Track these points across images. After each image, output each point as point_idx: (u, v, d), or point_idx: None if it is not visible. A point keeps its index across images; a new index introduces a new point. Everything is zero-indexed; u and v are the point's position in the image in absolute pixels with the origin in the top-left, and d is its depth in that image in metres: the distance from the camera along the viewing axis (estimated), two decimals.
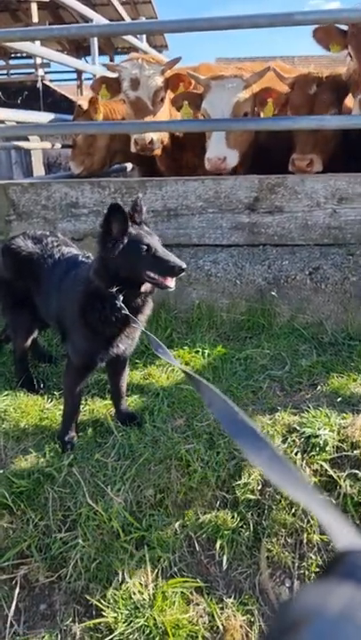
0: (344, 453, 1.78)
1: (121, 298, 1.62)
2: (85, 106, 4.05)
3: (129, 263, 1.62)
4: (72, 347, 1.86)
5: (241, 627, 1.56)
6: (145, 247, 1.63)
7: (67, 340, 1.91)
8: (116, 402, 1.97)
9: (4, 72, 12.70)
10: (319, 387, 2.05)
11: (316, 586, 0.34)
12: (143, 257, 1.63)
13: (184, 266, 1.65)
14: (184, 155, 3.42)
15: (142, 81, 3.37)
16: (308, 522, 1.70)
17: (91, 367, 1.85)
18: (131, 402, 2.06)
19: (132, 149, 3.40)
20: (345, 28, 2.69)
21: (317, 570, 1.69)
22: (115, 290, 1.61)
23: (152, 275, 1.64)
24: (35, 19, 10.12)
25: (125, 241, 1.61)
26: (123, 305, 1.61)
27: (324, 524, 0.52)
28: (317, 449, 1.78)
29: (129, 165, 5.19)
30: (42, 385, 2.20)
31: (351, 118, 2.55)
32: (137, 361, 2.25)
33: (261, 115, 3.11)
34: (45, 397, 2.14)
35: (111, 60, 13.50)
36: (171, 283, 1.65)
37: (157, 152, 3.41)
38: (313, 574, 1.65)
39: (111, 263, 1.62)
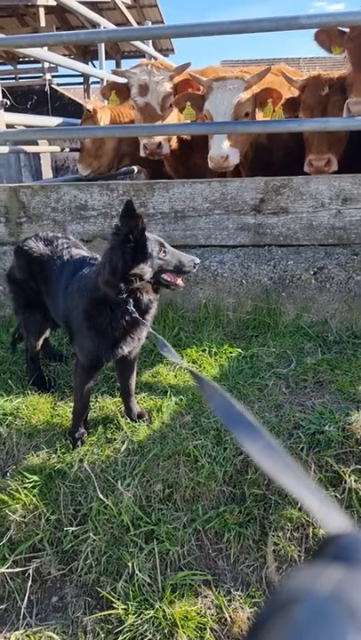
0: (349, 449, 1.79)
1: (132, 303, 1.63)
2: (94, 108, 4.09)
3: (149, 267, 1.63)
4: (79, 347, 1.88)
5: (248, 619, 1.57)
6: (162, 248, 1.67)
7: (74, 340, 1.93)
8: (125, 399, 1.99)
9: (13, 76, 12.78)
10: (324, 384, 2.06)
11: (306, 568, 0.34)
12: (161, 259, 1.66)
13: (198, 260, 1.70)
14: (191, 158, 3.44)
15: (151, 87, 3.39)
16: (314, 516, 1.70)
17: (98, 367, 1.88)
18: (139, 399, 2.08)
19: (142, 154, 3.43)
20: (346, 30, 2.70)
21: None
22: (122, 294, 1.61)
23: (166, 277, 1.68)
24: (42, 23, 10.18)
25: (144, 244, 1.61)
26: (134, 309, 1.63)
27: (314, 510, 0.53)
28: (323, 445, 1.79)
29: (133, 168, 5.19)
30: (53, 383, 2.22)
31: (355, 120, 2.55)
32: (145, 360, 2.26)
33: (261, 115, 3.13)
34: (56, 395, 2.17)
35: (118, 63, 13.52)
36: (181, 282, 1.70)
37: (165, 154, 3.43)
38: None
39: (122, 265, 1.60)
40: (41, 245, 2.03)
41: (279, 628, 0.29)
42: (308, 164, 2.74)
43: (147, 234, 1.61)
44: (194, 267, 1.72)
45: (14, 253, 2.11)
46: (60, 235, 2.12)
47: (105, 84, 5.85)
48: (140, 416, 1.98)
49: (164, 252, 1.67)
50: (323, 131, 2.66)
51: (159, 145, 3.34)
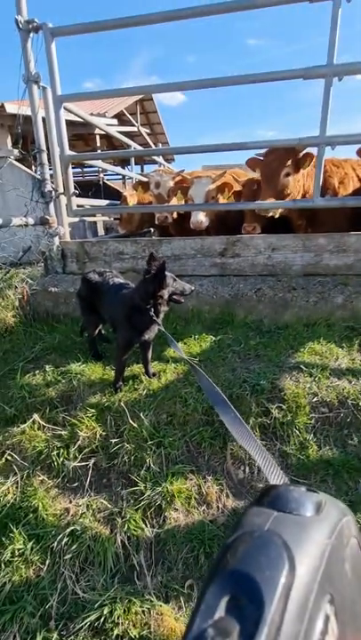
0: (274, 394, 1.80)
1: (152, 310, 1.65)
2: (126, 195, 4.12)
3: (166, 292, 1.67)
4: (120, 335, 1.89)
5: (215, 492, 1.59)
6: (174, 280, 1.72)
7: (117, 330, 1.95)
8: (145, 365, 2.01)
9: (81, 175, 12.73)
10: (260, 356, 2.07)
11: (254, 509, 0.32)
12: (173, 286, 1.71)
13: (193, 288, 1.77)
14: (184, 224, 3.48)
15: (162, 184, 3.45)
16: (254, 432, 1.69)
17: (130, 346, 1.89)
18: (153, 365, 2.08)
19: (156, 222, 3.46)
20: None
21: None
22: (149, 306, 1.65)
23: (175, 297, 1.72)
24: (98, 144, 10.14)
25: (163, 278, 1.65)
26: (154, 315, 1.65)
27: (261, 466, 0.51)
28: (259, 392, 1.80)
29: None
30: (103, 356, 2.23)
31: (275, 204, 2.56)
32: (158, 342, 2.26)
33: (221, 198, 3.17)
34: (105, 362, 2.18)
35: (142, 168, 13.48)
36: (182, 299, 1.76)
37: (170, 222, 3.46)
38: (257, 463, 1.65)
39: (152, 290, 1.64)
40: (96, 276, 2.05)
41: (239, 550, 0.28)
42: (243, 228, 2.80)
43: (166, 272, 1.65)
44: (191, 292, 1.78)
45: (81, 281, 2.12)
46: (107, 269, 2.12)
47: (135, 180, 5.85)
48: (154, 375, 2.00)
49: (175, 282, 1.71)
50: (253, 209, 2.66)
51: (166, 217, 3.38)
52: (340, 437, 1.68)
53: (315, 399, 1.77)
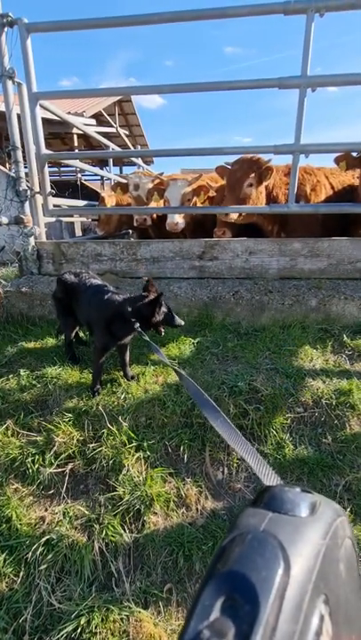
0: (252, 395, 1.82)
1: (138, 324, 1.66)
2: (104, 196, 4.07)
3: (157, 318, 1.72)
4: (97, 338, 1.86)
5: (194, 494, 1.59)
6: (167, 312, 1.77)
7: (94, 334, 1.91)
8: (123, 368, 1.98)
9: (57, 175, 12.47)
10: (238, 358, 2.09)
11: (250, 510, 0.31)
12: (166, 317, 1.76)
13: (183, 324, 1.81)
14: (162, 226, 3.49)
15: (141, 186, 3.43)
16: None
17: (108, 349, 1.87)
18: (132, 368, 2.06)
19: (135, 224, 3.44)
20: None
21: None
22: (134, 320, 1.67)
23: (160, 328, 1.80)
24: (75, 143, 9.96)
25: (162, 311, 1.73)
26: (139, 327, 1.65)
27: (254, 468, 0.50)
28: (237, 393, 1.81)
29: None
30: (80, 359, 2.18)
31: (227, 209, 2.64)
32: (136, 344, 2.23)
33: (197, 201, 3.21)
34: (82, 366, 2.13)
35: (121, 169, 13.37)
36: (162, 331, 1.84)
37: (149, 224, 3.44)
38: (235, 464, 1.66)
39: (145, 313, 1.70)
40: (72, 277, 2.01)
41: (234, 551, 0.28)
42: (214, 232, 2.87)
43: (163, 302, 1.73)
44: (179, 326, 1.81)
45: (56, 282, 2.06)
46: (83, 270, 2.08)
47: (113, 182, 5.77)
48: (132, 378, 1.98)
49: (168, 313, 1.77)
50: (223, 213, 2.71)
51: (145, 219, 3.36)
52: (315, 436, 1.73)
53: (290, 399, 1.80)
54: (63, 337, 2.22)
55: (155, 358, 2.11)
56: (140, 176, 3.52)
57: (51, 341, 2.36)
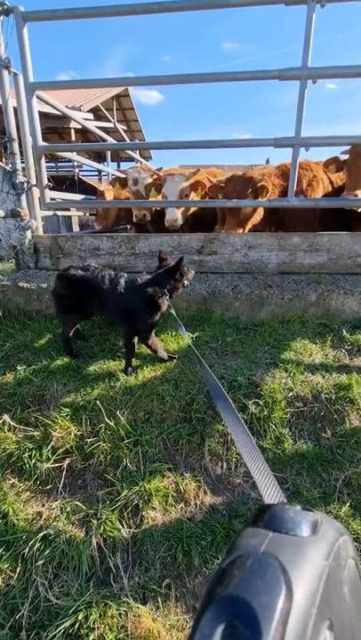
0: (251, 390, 1.80)
1: (167, 296, 1.82)
2: (103, 189, 4.03)
3: (185, 279, 1.88)
4: (143, 324, 1.92)
5: (193, 489, 1.58)
6: (187, 270, 1.90)
7: (134, 322, 1.93)
8: (131, 357, 2.01)
9: (55, 169, 12.35)
10: (237, 353, 2.07)
11: (249, 530, 0.31)
12: (188, 279, 1.90)
13: (193, 273, 1.96)
14: (161, 221, 3.45)
15: (140, 180, 3.39)
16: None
17: (154, 328, 1.98)
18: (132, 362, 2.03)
19: (134, 219, 3.40)
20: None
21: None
22: (166, 290, 1.82)
23: (186, 283, 1.90)
24: (73, 138, 9.87)
25: (186, 269, 1.88)
26: (168, 299, 1.83)
27: (258, 484, 0.47)
28: (236, 388, 1.80)
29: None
30: (78, 353, 2.15)
31: (228, 202, 2.64)
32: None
33: (194, 196, 3.18)
34: (80, 360, 2.10)
35: (118, 164, 13.27)
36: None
37: (148, 219, 3.41)
38: (235, 459, 1.65)
39: (173, 278, 1.85)
40: (83, 272, 1.94)
41: (234, 574, 0.27)
42: (215, 229, 2.87)
43: (184, 267, 1.86)
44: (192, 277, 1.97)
45: (57, 278, 1.99)
46: (89, 264, 2.02)
47: (111, 176, 5.72)
48: (131, 372, 1.95)
49: (189, 271, 1.90)
50: (224, 207, 2.71)
51: (144, 215, 3.32)
52: (314, 431, 1.72)
53: (290, 394, 1.79)
54: (61, 331, 2.19)
55: (151, 353, 2.09)
56: (140, 171, 3.48)
57: (48, 336, 2.33)
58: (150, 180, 3.38)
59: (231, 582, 0.26)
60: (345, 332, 2.17)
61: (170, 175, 3.12)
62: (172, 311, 1.78)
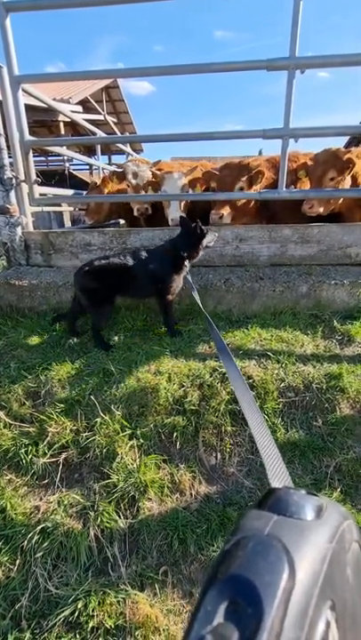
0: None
1: (187, 261, 1.98)
2: (99, 183, 4.02)
3: (205, 240, 2.00)
4: (168, 289, 2.04)
5: (188, 480, 1.60)
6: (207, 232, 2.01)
7: (162, 291, 2.05)
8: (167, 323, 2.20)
9: (45, 164, 12.16)
10: (230, 345, 2.09)
11: (254, 513, 0.30)
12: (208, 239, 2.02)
13: (217, 234, 2.15)
14: (154, 216, 3.42)
15: (139, 174, 3.36)
16: (225, 419, 1.73)
17: (177, 291, 2.13)
18: (125, 357, 2.03)
19: (136, 213, 3.36)
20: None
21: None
22: (185, 254, 1.96)
23: (205, 244, 2.02)
24: (62, 131, 9.72)
25: (199, 234, 1.99)
26: (187, 263, 1.98)
27: (267, 466, 0.48)
28: (228, 377, 1.81)
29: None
30: (112, 345, 2.15)
31: (219, 195, 2.66)
32: (125, 335, 2.20)
33: (191, 192, 3.16)
34: (74, 357, 2.09)
35: (109, 158, 13.10)
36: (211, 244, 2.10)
37: (150, 213, 3.36)
38: (228, 449, 1.68)
39: (195, 243, 1.97)
40: (103, 261, 2.00)
41: (238, 554, 0.27)
42: (210, 217, 2.74)
43: (204, 228, 1.98)
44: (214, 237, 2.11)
45: (83, 275, 1.99)
46: (107, 255, 2.09)
47: (102, 170, 5.66)
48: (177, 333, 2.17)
49: (209, 233, 2.00)
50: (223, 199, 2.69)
51: (146, 209, 3.30)
52: (306, 420, 1.75)
53: (282, 385, 1.82)
54: (91, 325, 2.17)
55: (145, 346, 2.11)
56: (138, 164, 3.44)
57: (41, 333, 2.34)
58: (150, 173, 3.36)
59: (234, 562, 0.26)
60: (336, 323, 2.21)
61: (168, 173, 3.09)
62: (189, 277, 1.89)
